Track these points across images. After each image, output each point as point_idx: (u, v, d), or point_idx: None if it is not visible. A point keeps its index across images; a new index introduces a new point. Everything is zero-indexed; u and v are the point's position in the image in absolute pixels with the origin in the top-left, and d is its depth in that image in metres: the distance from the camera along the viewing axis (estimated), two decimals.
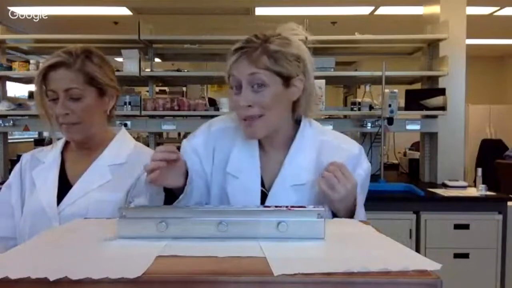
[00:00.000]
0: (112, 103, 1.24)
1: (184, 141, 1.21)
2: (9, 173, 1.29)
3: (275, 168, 1.11)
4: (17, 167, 1.28)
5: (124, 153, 1.24)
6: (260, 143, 1.14)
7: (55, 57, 1.15)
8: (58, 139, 1.26)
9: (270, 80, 1.03)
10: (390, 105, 2.90)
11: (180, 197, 1.00)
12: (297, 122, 1.15)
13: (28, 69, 3.23)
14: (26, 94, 4.56)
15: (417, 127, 3.26)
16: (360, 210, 1.05)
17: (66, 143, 1.29)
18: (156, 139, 3.73)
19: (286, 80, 1.05)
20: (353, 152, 1.13)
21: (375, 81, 3.21)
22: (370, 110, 3.16)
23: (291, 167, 1.09)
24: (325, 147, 1.12)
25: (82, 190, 1.18)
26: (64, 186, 1.20)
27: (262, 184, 1.11)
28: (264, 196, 1.10)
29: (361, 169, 1.13)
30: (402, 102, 3.17)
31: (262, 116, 1.04)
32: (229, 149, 1.13)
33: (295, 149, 1.11)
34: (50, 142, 1.27)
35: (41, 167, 1.24)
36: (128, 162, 1.23)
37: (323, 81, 3.11)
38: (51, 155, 1.26)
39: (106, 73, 1.20)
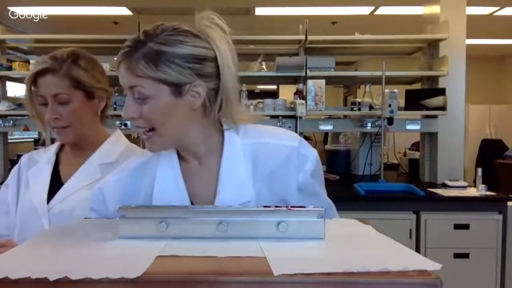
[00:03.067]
0: (103, 104, 1.26)
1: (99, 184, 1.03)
2: (9, 173, 1.34)
3: (208, 190, 0.94)
4: (16, 167, 1.32)
5: (115, 152, 1.27)
6: (183, 161, 0.97)
7: (42, 64, 1.17)
8: (52, 139, 1.29)
9: (153, 91, 0.85)
10: (390, 105, 2.90)
11: None
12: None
13: (28, 69, 3.23)
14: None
15: (417, 127, 3.26)
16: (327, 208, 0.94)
17: (62, 144, 1.32)
18: None
19: (177, 89, 0.86)
20: (292, 146, 0.95)
21: (375, 81, 3.21)
22: (370, 110, 3.16)
23: (229, 186, 0.92)
24: (260, 151, 0.95)
25: (72, 188, 1.21)
26: (57, 185, 1.23)
27: None
28: None
29: (308, 164, 0.96)
30: (402, 102, 3.17)
31: (154, 130, 0.88)
32: (150, 185, 0.96)
33: (226, 163, 0.93)
34: (44, 143, 1.30)
35: (36, 167, 1.28)
36: (118, 161, 1.24)
37: (323, 81, 3.11)
38: (46, 156, 1.30)
39: (94, 76, 1.22)
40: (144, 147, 0.99)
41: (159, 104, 0.86)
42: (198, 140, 0.94)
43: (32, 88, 1.18)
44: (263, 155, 0.95)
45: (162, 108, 0.86)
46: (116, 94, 3.27)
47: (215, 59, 0.89)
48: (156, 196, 0.94)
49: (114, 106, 2.89)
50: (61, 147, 1.32)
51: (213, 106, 0.91)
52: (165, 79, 0.84)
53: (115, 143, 1.30)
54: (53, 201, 1.20)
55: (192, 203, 0.93)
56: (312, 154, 0.98)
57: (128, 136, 1.41)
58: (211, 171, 0.95)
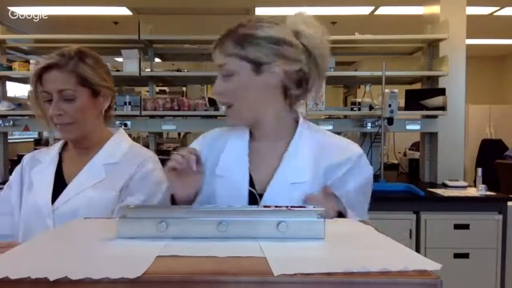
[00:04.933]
0: (107, 103, 1.26)
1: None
2: (9, 173, 1.33)
3: (270, 168, 1.04)
4: (18, 167, 1.31)
5: (119, 152, 1.26)
6: (253, 140, 1.08)
7: (49, 59, 1.17)
8: (56, 139, 1.28)
9: (239, 67, 0.98)
10: (390, 105, 2.90)
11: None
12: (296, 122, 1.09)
13: (28, 69, 3.23)
14: (26, 94, 4.56)
15: (417, 127, 3.26)
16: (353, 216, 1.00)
17: (65, 144, 1.31)
18: (156, 139, 3.74)
19: (257, 66, 0.98)
20: (355, 152, 1.06)
21: (375, 81, 3.22)
22: (370, 110, 3.16)
23: (290, 165, 1.03)
24: (326, 147, 1.06)
25: (77, 189, 1.20)
26: (60, 185, 1.22)
27: (252, 184, 1.04)
28: (253, 196, 1.03)
29: (361, 174, 1.06)
30: (402, 102, 3.17)
31: (232, 106, 1.02)
32: (219, 153, 1.09)
33: (294, 146, 1.05)
34: (47, 142, 1.30)
35: (39, 167, 1.27)
36: (123, 161, 1.25)
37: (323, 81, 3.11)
38: (49, 155, 1.29)
39: (100, 74, 1.22)
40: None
41: (240, 79, 0.98)
42: (272, 121, 1.05)
43: (37, 84, 1.17)
44: (327, 151, 1.05)
45: (243, 83, 0.98)
46: (116, 94, 3.27)
47: (302, 46, 1.00)
48: (220, 165, 1.06)
49: (114, 106, 2.89)
50: (64, 146, 1.31)
51: (292, 90, 1.02)
52: (246, 56, 0.97)
53: (119, 142, 1.29)
54: (57, 201, 1.19)
55: (251, 177, 1.04)
56: (368, 169, 1.08)
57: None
58: (276, 153, 1.05)
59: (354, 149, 1.07)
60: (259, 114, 1.04)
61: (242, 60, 0.98)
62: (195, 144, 1.13)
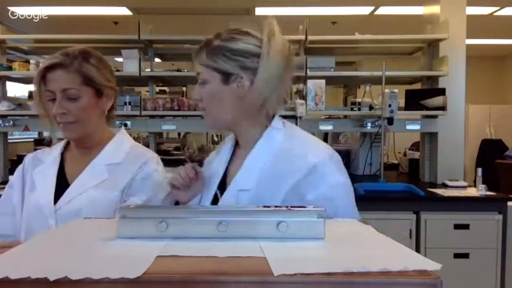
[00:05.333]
0: (110, 103, 1.26)
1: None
2: (9, 173, 1.33)
3: (236, 173, 1.07)
4: (20, 166, 1.31)
5: (121, 152, 1.27)
6: (238, 149, 1.14)
7: (53, 59, 1.17)
8: (59, 139, 1.28)
9: (209, 76, 1.04)
10: (390, 105, 2.90)
11: None
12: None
13: (28, 69, 3.23)
14: (26, 94, 4.56)
15: (417, 127, 3.26)
16: None
17: (67, 144, 1.31)
18: (156, 139, 3.74)
19: (225, 77, 1.02)
20: (311, 162, 1.00)
21: (375, 81, 3.21)
22: (370, 110, 3.16)
23: (242, 172, 1.04)
24: (284, 153, 1.03)
25: (79, 189, 1.20)
26: (63, 185, 1.22)
27: (223, 188, 1.08)
28: (216, 199, 1.08)
29: (322, 184, 0.99)
30: (402, 102, 3.17)
31: (205, 110, 1.08)
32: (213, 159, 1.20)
33: (253, 153, 1.05)
34: (49, 142, 1.30)
35: (41, 167, 1.27)
36: (125, 161, 1.25)
37: (323, 81, 3.11)
38: (51, 155, 1.29)
39: (104, 74, 1.22)
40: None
41: (212, 88, 1.04)
42: (247, 128, 1.09)
43: (41, 84, 1.17)
44: (285, 158, 1.02)
45: (214, 92, 1.04)
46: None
47: (252, 55, 1.02)
48: (210, 171, 1.14)
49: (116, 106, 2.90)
50: (66, 146, 1.31)
51: (252, 97, 1.03)
52: (216, 67, 1.03)
53: (121, 143, 1.30)
54: (59, 202, 1.19)
55: (224, 180, 1.10)
56: (333, 178, 1.01)
57: None
58: (246, 155, 1.08)
59: (311, 158, 1.01)
60: (233, 121, 1.08)
61: (213, 71, 1.03)
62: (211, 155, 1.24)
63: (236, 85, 1.02)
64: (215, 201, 1.08)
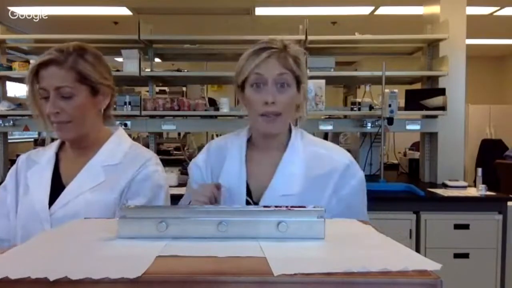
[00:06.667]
0: (107, 101, 1.21)
1: (191, 160, 1.29)
2: (8, 174, 1.28)
3: (265, 178, 1.13)
4: (13, 168, 1.26)
5: (119, 153, 1.21)
6: (251, 151, 1.18)
7: (46, 55, 1.12)
8: (53, 139, 1.24)
9: (292, 82, 1.10)
10: (390, 105, 2.90)
11: None
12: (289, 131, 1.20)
13: (28, 69, 3.22)
14: (26, 94, 4.56)
15: (417, 127, 3.26)
16: None
17: (62, 143, 1.26)
18: (156, 139, 3.74)
19: (298, 84, 1.12)
20: (343, 162, 1.14)
21: (375, 81, 3.21)
22: (370, 110, 3.16)
23: (282, 177, 1.11)
24: (315, 158, 1.14)
25: (75, 192, 1.15)
26: (58, 187, 1.17)
27: (249, 194, 1.13)
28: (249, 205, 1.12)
29: (353, 179, 1.14)
30: (402, 102, 3.17)
31: (279, 115, 1.10)
32: (222, 164, 1.18)
33: (286, 158, 1.13)
34: (43, 142, 1.26)
35: (35, 168, 1.22)
36: (123, 162, 1.20)
37: (323, 81, 3.11)
38: (45, 156, 1.24)
39: (100, 71, 1.17)
40: None
41: (292, 93, 1.11)
42: (284, 132, 1.17)
43: (34, 81, 1.12)
44: (316, 162, 1.13)
45: (291, 96, 1.12)
46: (116, 94, 3.27)
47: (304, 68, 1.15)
48: (222, 176, 1.16)
49: (114, 106, 2.89)
50: (61, 146, 1.26)
51: (301, 104, 1.18)
52: (298, 76, 1.12)
53: (118, 143, 1.24)
54: (55, 205, 1.14)
55: (248, 186, 1.14)
56: (359, 174, 1.15)
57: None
58: (270, 163, 1.14)
59: (341, 159, 1.14)
60: (286, 127, 1.17)
61: (294, 77, 1.12)
62: (201, 157, 1.24)
63: (301, 92, 1.14)
64: None
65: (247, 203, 1.11)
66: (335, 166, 1.12)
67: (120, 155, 1.21)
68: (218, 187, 1.10)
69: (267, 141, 1.17)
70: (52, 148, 1.25)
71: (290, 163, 1.12)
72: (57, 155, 1.24)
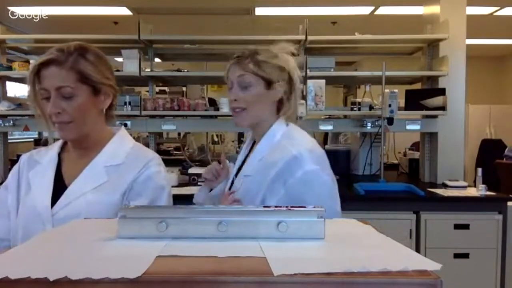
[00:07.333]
0: (108, 101, 1.20)
1: None
2: (9, 173, 1.27)
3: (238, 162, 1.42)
4: (15, 167, 1.25)
5: (121, 153, 1.21)
6: (255, 144, 1.37)
7: (47, 55, 1.11)
8: (55, 139, 1.24)
9: (256, 82, 1.28)
10: (390, 105, 2.90)
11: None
12: None
13: (28, 69, 3.22)
14: (26, 94, 4.56)
15: (417, 127, 3.26)
16: None
17: (64, 144, 1.26)
18: (156, 139, 3.74)
19: (269, 84, 1.29)
20: (291, 153, 1.22)
21: (375, 81, 3.21)
22: (370, 110, 3.16)
23: (250, 160, 1.33)
24: (277, 148, 1.27)
25: (77, 192, 1.14)
26: (60, 187, 1.17)
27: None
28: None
29: (299, 171, 1.20)
30: (402, 102, 3.16)
31: (245, 109, 1.30)
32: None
33: (259, 146, 1.32)
34: (46, 142, 1.25)
35: (37, 168, 1.21)
36: (125, 162, 1.19)
37: (323, 81, 3.11)
38: (48, 156, 1.23)
39: (101, 71, 1.16)
40: None
41: (256, 90, 1.29)
42: (265, 124, 1.33)
43: (36, 81, 1.12)
44: (273, 150, 1.27)
45: (257, 94, 1.29)
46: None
47: (288, 71, 1.33)
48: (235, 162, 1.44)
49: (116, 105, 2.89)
50: (63, 146, 1.25)
51: (284, 102, 1.33)
52: (263, 76, 1.29)
53: (121, 143, 1.23)
54: (56, 206, 1.13)
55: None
56: (309, 167, 1.21)
57: None
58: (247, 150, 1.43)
59: (292, 150, 1.23)
60: (259, 119, 1.34)
61: (260, 78, 1.29)
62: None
63: (275, 90, 1.30)
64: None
65: (233, 182, 1.37)
66: (283, 156, 1.22)
67: (123, 156, 1.20)
68: (220, 162, 1.44)
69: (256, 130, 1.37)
70: (54, 148, 1.25)
71: (258, 150, 1.31)
72: (59, 155, 1.24)
